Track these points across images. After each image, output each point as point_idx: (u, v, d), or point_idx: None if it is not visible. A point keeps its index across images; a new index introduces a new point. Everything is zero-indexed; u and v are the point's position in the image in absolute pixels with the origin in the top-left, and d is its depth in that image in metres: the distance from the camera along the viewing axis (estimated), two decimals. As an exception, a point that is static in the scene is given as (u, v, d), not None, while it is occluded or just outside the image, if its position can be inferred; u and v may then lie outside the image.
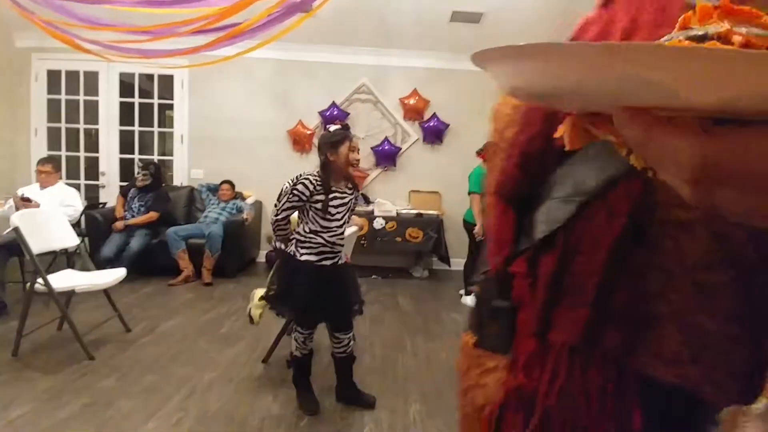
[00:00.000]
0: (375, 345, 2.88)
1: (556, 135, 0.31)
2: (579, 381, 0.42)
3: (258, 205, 4.87)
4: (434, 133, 5.06)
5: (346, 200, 1.96)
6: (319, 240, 1.91)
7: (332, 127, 1.98)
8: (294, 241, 1.95)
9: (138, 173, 4.28)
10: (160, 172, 4.41)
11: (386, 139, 5.04)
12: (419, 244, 4.56)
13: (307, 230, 1.92)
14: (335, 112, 4.97)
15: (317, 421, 1.97)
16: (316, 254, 1.92)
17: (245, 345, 2.75)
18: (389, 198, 4.91)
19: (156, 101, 5.04)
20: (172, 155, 5.13)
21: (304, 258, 1.91)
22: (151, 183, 4.22)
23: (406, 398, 2.23)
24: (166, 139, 5.31)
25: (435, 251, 4.62)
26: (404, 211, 4.69)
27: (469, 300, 3.83)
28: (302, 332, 2.02)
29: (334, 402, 2.13)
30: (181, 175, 5.07)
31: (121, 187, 4.59)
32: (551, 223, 0.45)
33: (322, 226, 1.91)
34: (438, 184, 5.10)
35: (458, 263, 4.86)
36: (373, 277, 4.64)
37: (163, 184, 4.50)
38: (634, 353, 0.40)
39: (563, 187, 0.46)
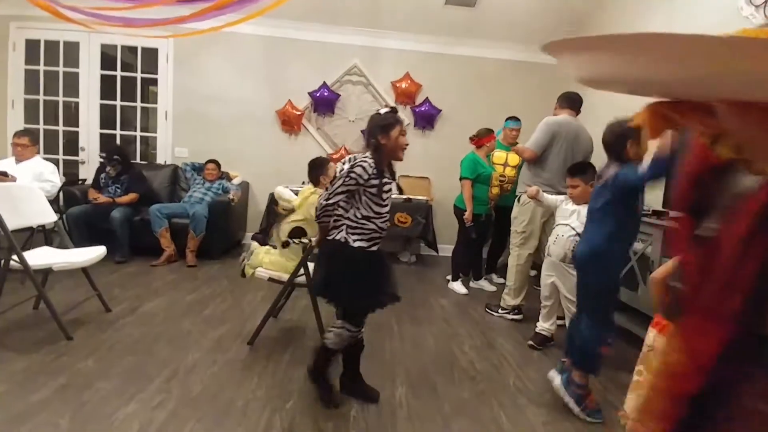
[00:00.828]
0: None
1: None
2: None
3: (245, 186, 4.77)
4: (426, 118, 5.00)
5: (391, 186, 1.89)
6: (372, 226, 1.82)
7: (382, 110, 1.87)
8: (343, 227, 1.83)
9: (107, 167, 4.11)
10: (125, 154, 4.26)
11: (377, 122, 4.96)
12: (407, 229, 4.54)
13: (359, 216, 1.80)
14: (326, 93, 4.86)
15: (304, 405, 1.94)
16: (368, 240, 1.82)
17: (230, 327, 2.70)
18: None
19: (139, 75, 4.85)
20: (155, 132, 4.97)
21: (357, 245, 1.81)
22: (122, 169, 4.10)
23: (393, 381, 2.22)
24: (149, 115, 5.13)
25: (423, 237, 4.60)
26: (393, 196, 4.63)
27: (457, 286, 3.84)
28: (353, 330, 1.89)
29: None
30: (164, 153, 4.92)
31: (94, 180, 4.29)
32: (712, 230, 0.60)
33: (375, 212, 1.81)
34: (428, 169, 5.06)
35: (445, 249, 4.86)
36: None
37: (132, 161, 4.37)
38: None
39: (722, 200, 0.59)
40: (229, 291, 3.38)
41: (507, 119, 3.90)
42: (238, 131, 4.92)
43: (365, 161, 1.76)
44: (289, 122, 4.92)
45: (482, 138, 3.71)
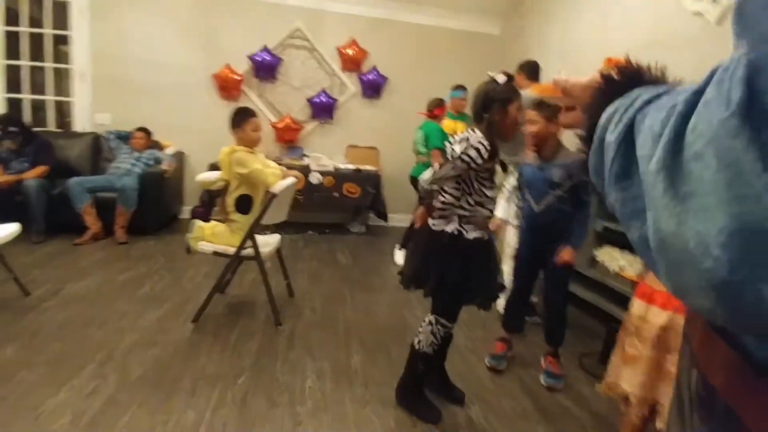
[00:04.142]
0: (315, 299, 2.81)
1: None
2: None
3: (180, 157, 4.43)
4: (373, 87, 4.88)
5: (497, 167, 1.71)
6: (485, 212, 1.65)
7: (500, 78, 1.58)
8: (455, 218, 1.62)
9: (3, 141, 3.60)
10: (24, 124, 3.77)
11: (323, 90, 4.77)
12: (357, 199, 4.48)
13: (472, 203, 1.61)
14: (267, 58, 4.57)
15: (257, 379, 1.87)
16: (481, 229, 1.64)
17: (171, 306, 2.53)
18: (325, 152, 4.71)
19: (51, 32, 4.26)
20: (70, 96, 4.43)
21: (473, 236, 1.61)
22: (23, 140, 3.64)
23: (348, 350, 2.20)
24: (62, 77, 4.56)
25: (373, 207, 4.57)
26: (342, 167, 4.54)
27: (399, 255, 3.82)
28: (449, 325, 1.72)
29: (274, 358, 2.04)
30: (82, 120, 4.41)
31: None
32: None
33: (488, 197, 1.63)
34: (376, 139, 4.98)
35: (395, 219, 4.87)
36: (309, 233, 4.50)
37: (34, 129, 3.89)
38: None
39: None
40: (166, 269, 3.16)
41: (454, 88, 3.88)
42: (168, 96, 4.51)
43: (481, 143, 1.52)
44: (228, 88, 4.59)
45: (436, 109, 3.68)
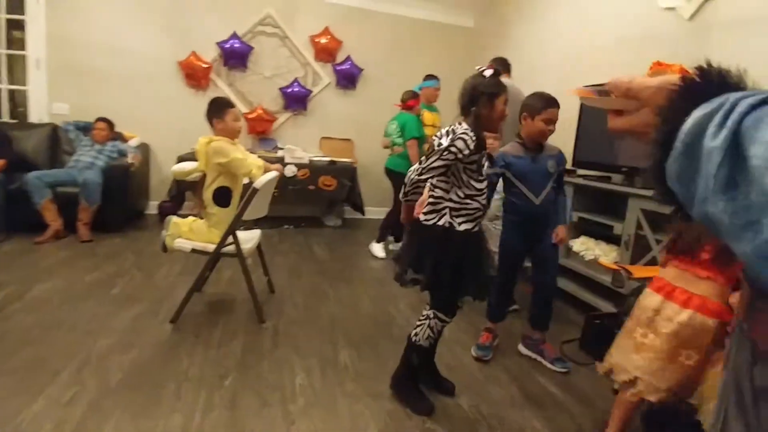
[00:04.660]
0: (296, 295, 2.77)
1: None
2: None
3: (145, 149, 4.23)
4: (347, 77, 4.81)
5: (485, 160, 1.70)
6: (476, 205, 1.64)
7: (486, 72, 1.62)
8: (446, 210, 1.64)
9: None
10: None
11: (296, 80, 4.66)
12: (333, 192, 4.43)
13: (462, 195, 1.63)
14: (236, 45, 4.41)
15: (244, 379, 1.83)
16: (472, 221, 1.65)
17: (145, 306, 2.42)
18: (299, 144, 4.63)
19: (3, 16, 3.94)
20: (25, 85, 4.13)
21: (463, 228, 1.63)
22: None
23: (335, 345, 2.19)
24: (15, 64, 4.23)
25: (349, 200, 4.53)
26: (317, 159, 4.47)
27: (377, 248, 3.81)
28: (447, 319, 1.73)
29: (261, 357, 2.01)
30: (39, 110, 4.13)
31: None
32: None
33: (477, 189, 1.63)
34: (350, 131, 4.93)
35: (371, 212, 4.86)
36: (284, 227, 4.42)
37: None
38: None
39: None
40: (137, 267, 3.03)
41: (428, 79, 3.85)
42: (132, 85, 4.28)
43: (466, 133, 1.56)
44: (195, 76, 4.41)
45: (411, 100, 3.66)
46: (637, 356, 1.37)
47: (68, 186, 3.46)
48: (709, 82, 0.36)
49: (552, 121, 1.98)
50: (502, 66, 3.22)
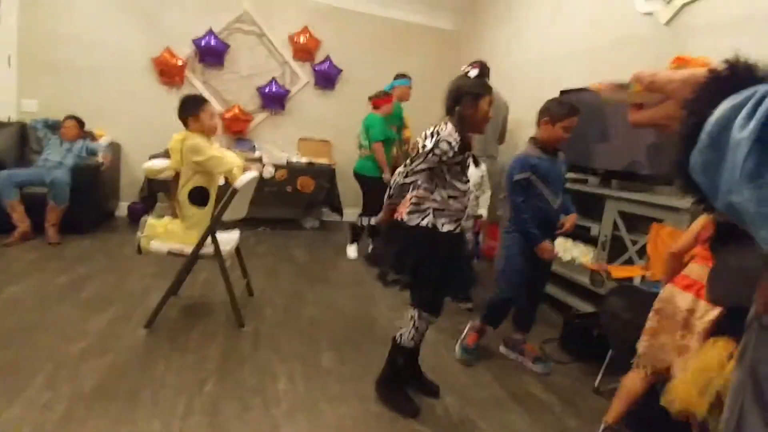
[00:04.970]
0: (275, 298, 2.73)
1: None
2: None
3: (115, 148, 4.08)
4: (326, 78, 4.78)
5: (470, 161, 1.71)
6: (458, 206, 1.65)
7: (472, 72, 1.63)
8: (429, 211, 1.63)
9: None
10: None
11: (273, 79, 4.60)
12: (311, 194, 4.38)
13: (445, 196, 1.63)
14: (212, 42, 4.32)
15: (225, 384, 1.78)
16: (455, 222, 1.66)
17: (118, 309, 2.34)
18: (276, 145, 4.56)
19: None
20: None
21: (446, 229, 1.64)
22: None
23: (317, 347, 2.17)
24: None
25: (328, 202, 4.50)
26: (295, 160, 4.41)
27: (351, 250, 3.78)
28: (433, 319, 1.74)
29: (241, 361, 1.96)
30: (6, 107, 3.91)
31: None
32: None
33: (460, 191, 1.64)
34: (329, 132, 4.89)
35: (349, 214, 4.83)
36: (261, 228, 4.34)
37: None
38: None
39: None
40: (108, 269, 2.92)
41: (399, 77, 3.82)
42: (102, 82, 4.12)
43: (450, 136, 1.57)
44: (169, 73, 4.28)
45: (379, 99, 3.61)
46: (678, 359, 1.38)
47: (36, 186, 3.31)
48: (737, 75, 0.37)
49: (571, 129, 1.98)
50: (485, 70, 3.24)
